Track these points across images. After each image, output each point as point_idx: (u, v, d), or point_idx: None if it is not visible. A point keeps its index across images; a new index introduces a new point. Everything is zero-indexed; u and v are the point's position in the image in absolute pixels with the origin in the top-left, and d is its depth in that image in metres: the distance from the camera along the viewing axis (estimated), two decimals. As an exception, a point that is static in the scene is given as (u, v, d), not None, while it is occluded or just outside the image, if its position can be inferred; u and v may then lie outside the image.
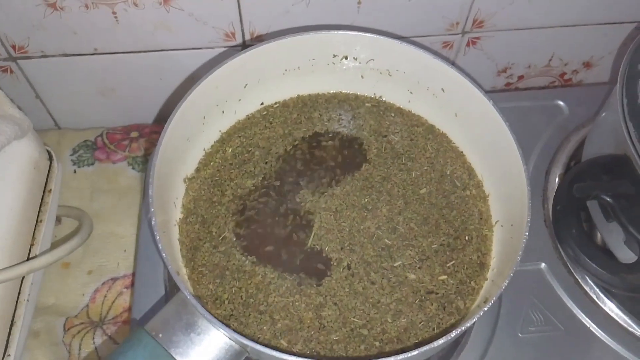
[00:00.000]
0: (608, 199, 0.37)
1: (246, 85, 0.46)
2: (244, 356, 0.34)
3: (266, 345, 0.32)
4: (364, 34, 0.44)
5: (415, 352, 0.32)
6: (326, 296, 0.40)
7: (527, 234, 0.37)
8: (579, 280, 0.47)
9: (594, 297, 0.46)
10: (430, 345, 0.32)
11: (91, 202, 0.58)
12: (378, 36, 0.44)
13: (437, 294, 0.40)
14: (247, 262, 0.41)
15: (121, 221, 0.57)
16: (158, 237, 0.35)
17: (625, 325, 0.45)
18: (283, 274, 0.41)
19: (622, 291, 0.37)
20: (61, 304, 0.50)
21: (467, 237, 0.43)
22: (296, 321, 0.39)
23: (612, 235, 0.39)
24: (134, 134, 0.63)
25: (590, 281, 0.46)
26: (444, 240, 0.43)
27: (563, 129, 0.55)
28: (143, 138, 0.62)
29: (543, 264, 0.48)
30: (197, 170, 0.45)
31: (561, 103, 0.57)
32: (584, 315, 0.46)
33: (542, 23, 0.58)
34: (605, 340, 0.45)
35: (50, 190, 0.49)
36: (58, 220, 0.54)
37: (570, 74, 0.67)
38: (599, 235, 0.42)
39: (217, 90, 0.43)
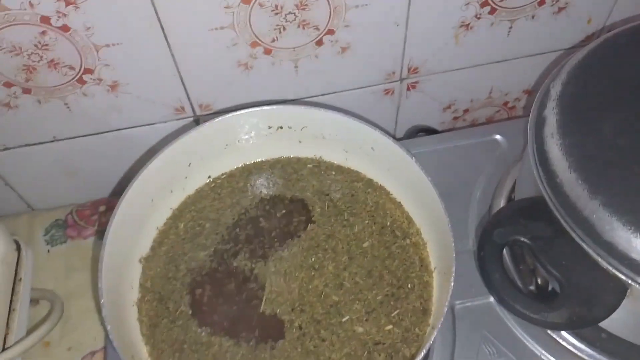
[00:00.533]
0: (528, 242, 0.40)
1: (190, 164, 0.49)
2: None
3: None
4: (292, 107, 0.48)
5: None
6: (280, 358, 0.42)
7: (452, 283, 0.39)
8: (525, 311, 0.49)
9: (540, 329, 0.48)
10: None
11: (66, 280, 0.60)
12: (305, 107, 0.47)
13: (384, 344, 0.43)
14: (203, 333, 0.44)
15: (94, 296, 0.60)
16: (109, 327, 0.37)
17: (575, 351, 0.47)
18: (238, 342, 0.43)
19: (546, 328, 0.39)
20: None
21: (409, 285, 0.45)
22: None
23: (524, 278, 0.42)
24: (101, 209, 0.66)
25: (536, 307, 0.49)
26: (387, 290, 0.45)
27: (503, 162, 0.58)
28: (110, 211, 0.65)
29: (492, 298, 0.51)
30: (152, 248, 0.48)
31: (499, 137, 0.60)
32: (535, 345, 0.48)
33: (474, 62, 0.62)
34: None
35: (21, 279, 0.52)
36: (35, 301, 0.57)
37: (513, 101, 0.70)
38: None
39: (160, 174, 0.46)
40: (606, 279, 0.36)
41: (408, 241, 0.47)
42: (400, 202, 0.49)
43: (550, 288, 0.46)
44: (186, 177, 0.50)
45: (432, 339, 0.38)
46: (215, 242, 0.48)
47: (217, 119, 0.47)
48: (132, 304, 0.45)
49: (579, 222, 0.36)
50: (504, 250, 0.42)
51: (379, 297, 0.45)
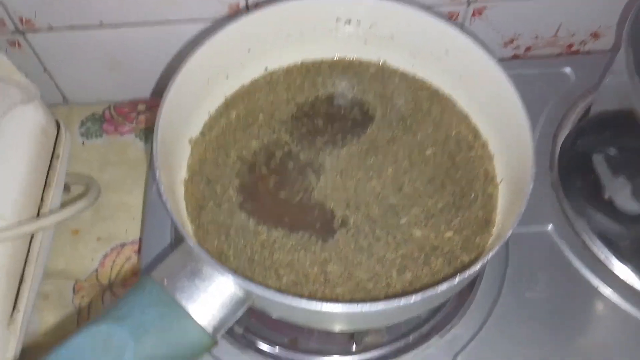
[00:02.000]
0: (614, 153, 0.37)
1: (249, 49, 0.46)
2: (248, 304, 0.34)
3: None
4: (366, -3, 0.44)
5: (418, 297, 0.32)
6: (331, 252, 0.40)
7: (529, 194, 0.36)
8: (587, 241, 0.47)
9: (602, 257, 0.46)
10: (434, 291, 0.32)
11: (100, 173, 0.58)
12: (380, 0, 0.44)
13: (442, 249, 0.40)
14: (250, 221, 0.41)
15: (130, 191, 0.58)
16: (158, 173, 0.35)
17: (634, 285, 0.45)
18: (288, 233, 0.41)
19: (626, 242, 0.36)
20: (71, 269, 0.51)
21: (472, 196, 0.43)
22: (301, 276, 0.39)
23: (617, 189, 0.39)
24: (141, 107, 0.64)
25: (599, 242, 0.46)
26: (449, 199, 0.43)
27: (569, 95, 0.55)
28: (150, 111, 0.63)
29: (550, 226, 0.48)
30: (202, 133, 0.45)
31: (567, 70, 0.57)
32: (592, 276, 0.46)
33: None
34: (613, 301, 0.45)
35: (59, 156, 0.50)
36: (67, 188, 0.55)
37: (578, 45, 0.66)
38: (605, 189, 0.42)
39: (219, 53, 0.43)
40: None
41: (473, 153, 0.45)
42: (467, 115, 0.46)
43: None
44: (242, 65, 0.47)
45: (496, 249, 0.35)
46: (267, 134, 0.46)
47: (286, 3, 0.44)
48: (180, 181, 0.42)
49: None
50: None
51: (439, 205, 0.42)
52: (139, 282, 0.34)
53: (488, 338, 0.44)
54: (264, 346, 0.43)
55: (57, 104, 0.64)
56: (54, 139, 0.50)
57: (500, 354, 0.43)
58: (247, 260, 0.39)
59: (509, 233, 0.35)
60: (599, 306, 0.45)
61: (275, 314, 0.37)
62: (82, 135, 0.61)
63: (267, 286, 0.37)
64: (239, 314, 0.34)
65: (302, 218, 0.42)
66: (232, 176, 0.43)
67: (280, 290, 0.38)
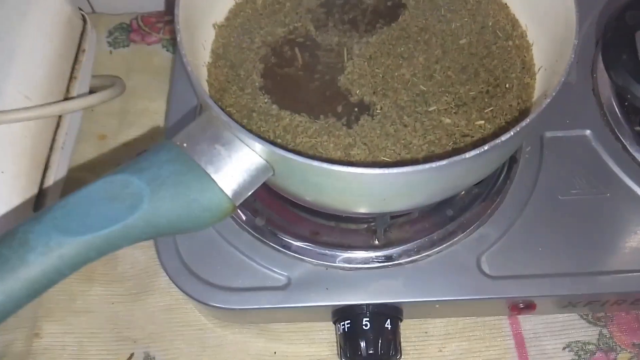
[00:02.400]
0: None
1: None
2: (269, 174, 0.33)
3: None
4: None
5: (444, 162, 0.30)
6: (356, 137, 0.39)
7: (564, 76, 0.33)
8: (627, 145, 0.44)
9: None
10: (462, 156, 0.30)
11: (127, 80, 0.58)
12: None
13: (472, 137, 0.38)
14: (274, 105, 0.40)
15: (155, 98, 0.57)
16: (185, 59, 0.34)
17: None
18: (312, 118, 0.39)
19: None
20: (97, 173, 0.51)
21: (507, 85, 0.40)
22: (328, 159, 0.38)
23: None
24: (167, 18, 0.63)
25: (638, 146, 0.44)
26: (482, 87, 0.40)
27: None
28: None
29: (588, 131, 0.45)
30: (227, 18, 0.44)
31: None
32: (630, 180, 0.43)
33: None
34: (654, 204, 0.42)
35: (84, 50, 0.49)
36: (92, 91, 0.55)
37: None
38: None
39: None
40: None
41: (511, 43, 0.42)
42: (505, 3, 0.44)
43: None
44: (270, -50, 0.45)
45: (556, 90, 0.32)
46: (294, 21, 0.44)
47: None
48: (203, 64, 0.41)
49: None
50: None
51: (472, 93, 0.40)
52: (158, 144, 0.33)
53: (515, 240, 0.42)
54: (285, 239, 0.42)
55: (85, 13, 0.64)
56: (80, 32, 0.49)
57: (527, 257, 0.41)
58: (272, 140, 0.38)
59: (538, 111, 0.33)
60: (637, 212, 0.42)
61: (297, 189, 0.36)
62: (109, 44, 0.61)
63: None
64: (259, 181, 0.33)
65: (326, 104, 0.40)
66: (256, 61, 0.42)
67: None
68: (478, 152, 0.30)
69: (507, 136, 0.31)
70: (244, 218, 0.43)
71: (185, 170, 0.31)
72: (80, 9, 0.51)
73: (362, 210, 0.36)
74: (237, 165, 0.32)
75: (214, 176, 0.32)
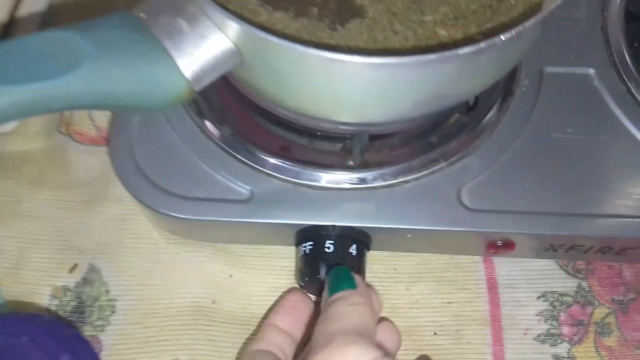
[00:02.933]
0: None
1: None
2: (237, 62, 0.29)
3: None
4: None
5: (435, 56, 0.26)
6: (339, 40, 0.35)
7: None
8: (632, 88, 0.41)
9: (646, 103, 0.40)
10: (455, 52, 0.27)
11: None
12: None
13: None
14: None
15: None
16: None
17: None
18: (293, 16, 0.35)
19: None
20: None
21: (512, 1, 0.37)
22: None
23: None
24: None
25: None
26: (485, 1, 0.37)
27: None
28: None
29: (592, 70, 0.42)
30: None
31: None
32: (631, 124, 0.40)
33: None
34: (651, 150, 0.39)
35: None
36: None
37: None
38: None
39: None
40: None
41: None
42: None
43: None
44: None
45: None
46: None
47: None
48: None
49: None
50: None
51: (473, 6, 0.36)
52: (113, 13, 0.29)
53: (500, 174, 0.38)
54: (252, 151, 0.39)
55: None
56: None
57: (510, 192, 0.38)
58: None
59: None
60: (633, 156, 0.40)
61: (267, 85, 0.32)
62: None
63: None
64: (224, 68, 0.29)
65: (311, 4, 0.36)
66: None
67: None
68: (473, 49, 0.27)
69: (508, 35, 0.27)
70: (208, 126, 0.39)
71: (139, 39, 0.27)
72: None
73: (337, 117, 0.33)
74: (201, 45, 0.28)
75: (172, 52, 0.28)
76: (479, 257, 0.42)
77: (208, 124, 0.40)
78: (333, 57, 0.27)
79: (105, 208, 0.43)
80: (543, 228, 0.37)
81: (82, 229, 0.43)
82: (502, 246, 0.38)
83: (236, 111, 0.40)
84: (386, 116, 0.32)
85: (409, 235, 0.37)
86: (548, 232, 0.37)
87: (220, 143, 0.39)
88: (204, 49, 0.28)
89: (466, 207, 0.37)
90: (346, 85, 0.29)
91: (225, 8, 0.28)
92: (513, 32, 0.27)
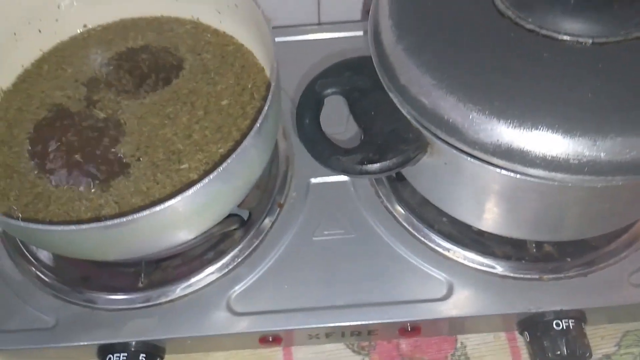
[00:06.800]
0: (343, 93, 0.40)
1: (59, 5, 0.49)
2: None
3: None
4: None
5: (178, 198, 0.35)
6: (108, 198, 0.43)
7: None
8: (379, 191, 0.50)
9: (389, 206, 0.49)
10: (194, 188, 0.36)
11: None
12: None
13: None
14: (35, 171, 0.44)
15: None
16: None
17: (413, 231, 0.48)
18: (68, 184, 0.43)
19: (338, 170, 0.39)
20: None
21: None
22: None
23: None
24: None
25: (389, 188, 0.50)
26: (231, 146, 0.45)
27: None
28: None
29: (348, 178, 0.51)
30: (15, 84, 0.49)
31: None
32: (379, 225, 0.48)
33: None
34: (392, 245, 0.48)
35: None
36: None
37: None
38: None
39: (20, 6, 0.46)
40: (406, 130, 0.36)
41: (263, 103, 0.48)
42: (263, 67, 0.49)
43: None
44: (57, 20, 0.50)
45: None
46: (73, 87, 0.48)
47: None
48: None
49: (394, 79, 0.36)
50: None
51: (221, 150, 0.45)
52: None
53: (266, 278, 0.46)
54: (55, 283, 0.46)
55: None
56: None
57: (274, 294, 0.45)
58: (23, 205, 0.43)
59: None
60: (380, 251, 0.48)
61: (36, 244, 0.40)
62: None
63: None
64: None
65: (88, 165, 0.44)
66: (31, 122, 0.46)
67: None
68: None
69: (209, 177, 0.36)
70: (10, 263, 0.47)
71: None
72: None
73: (89, 257, 0.41)
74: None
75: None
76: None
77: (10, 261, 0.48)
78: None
79: None
80: (301, 323, 0.44)
81: None
82: (272, 341, 0.45)
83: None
84: (122, 256, 0.41)
85: (189, 342, 0.45)
86: (304, 325, 0.44)
87: (33, 279, 0.47)
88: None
89: (234, 312, 0.45)
90: (71, 242, 0.38)
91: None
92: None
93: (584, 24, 0.32)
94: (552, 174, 0.31)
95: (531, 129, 0.31)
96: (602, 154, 0.30)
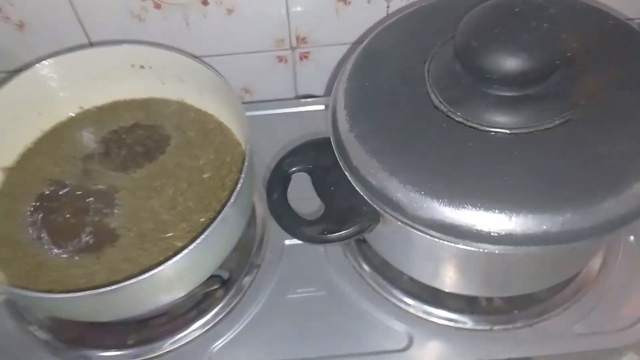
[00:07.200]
0: (306, 170, 0.46)
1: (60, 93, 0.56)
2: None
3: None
4: (145, 46, 0.54)
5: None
6: (102, 265, 0.48)
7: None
8: (346, 251, 0.55)
9: (356, 266, 0.54)
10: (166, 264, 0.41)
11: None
12: (155, 48, 0.54)
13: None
14: (36, 241, 0.49)
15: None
16: None
17: (379, 289, 0.53)
18: (67, 254, 0.49)
19: (302, 239, 0.45)
20: None
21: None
22: (72, 288, 0.47)
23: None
24: None
25: (356, 250, 0.55)
26: (211, 215, 0.51)
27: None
28: None
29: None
30: (18, 162, 0.54)
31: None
32: (347, 285, 0.53)
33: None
34: (358, 301, 0.53)
35: None
36: None
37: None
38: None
39: (23, 95, 0.53)
40: (361, 204, 0.42)
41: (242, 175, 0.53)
42: (240, 143, 0.55)
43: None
44: (56, 104, 0.56)
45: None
46: (70, 163, 0.54)
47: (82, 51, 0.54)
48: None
49: (348, 161, 0.42)
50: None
51: (202, 219, 0.50)
52: None
53: (243, 334, 0.51)
54: (53, 343, 0.51)
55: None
56: None
57: (251, 348, 0.50)
58: (25, 272, 0.48)
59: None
60: (347, 308, 0.53)
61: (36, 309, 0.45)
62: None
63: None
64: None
65: (83, 236, 0.50)
66: (35, 196, 0.52)
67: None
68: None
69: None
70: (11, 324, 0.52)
71: None
72: None
73: (84, 319, 0.46)
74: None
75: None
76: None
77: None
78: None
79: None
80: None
81: None
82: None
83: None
84: (112, 318, 0.47)
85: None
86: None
87: (31, 339, 0.51)
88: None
89: (213, 368, 0.49)
90: (66, 306, 0.43)
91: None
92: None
93: (503, 117, 0.39)
94: (479, 244, 0.37)
95: (459, 207, 0.37)
96: (518, 228, 0.36)
